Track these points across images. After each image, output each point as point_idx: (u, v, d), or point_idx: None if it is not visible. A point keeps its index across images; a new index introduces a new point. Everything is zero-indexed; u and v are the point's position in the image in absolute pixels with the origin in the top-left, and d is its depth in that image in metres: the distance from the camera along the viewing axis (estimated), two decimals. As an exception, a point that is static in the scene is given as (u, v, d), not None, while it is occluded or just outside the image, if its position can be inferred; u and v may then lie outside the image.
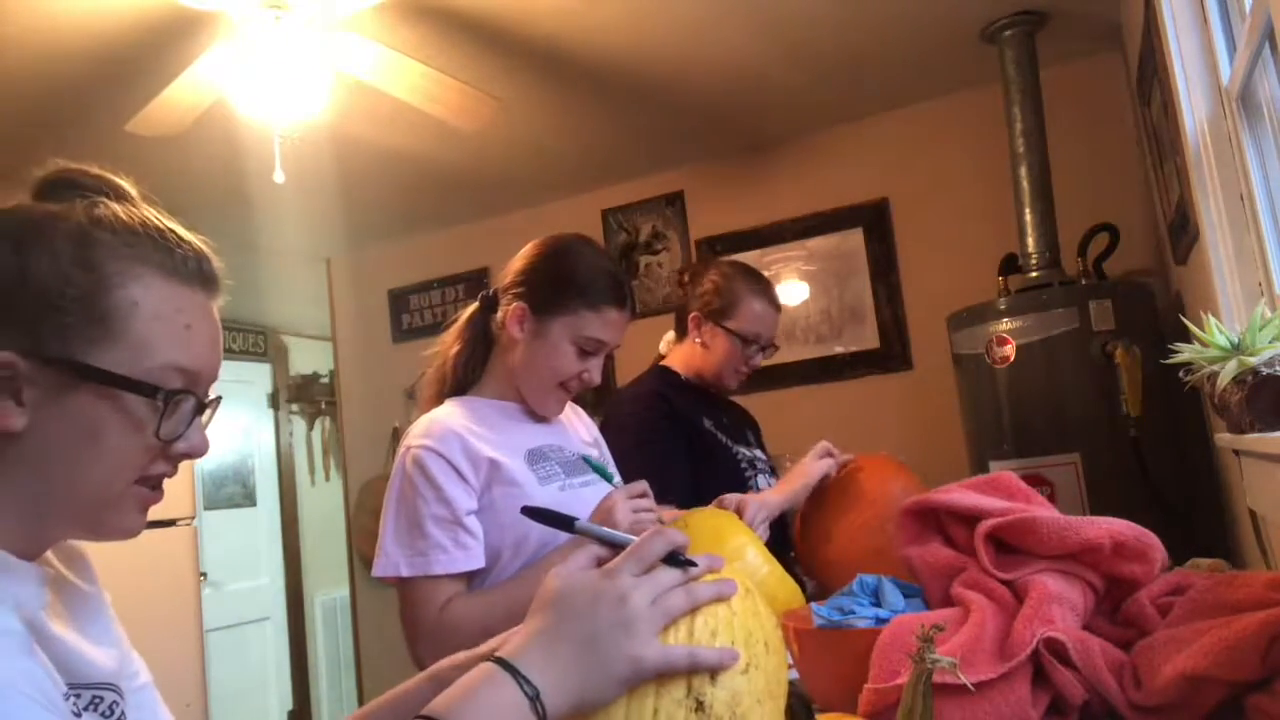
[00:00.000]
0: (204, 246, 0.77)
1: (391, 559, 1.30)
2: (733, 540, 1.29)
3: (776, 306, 1.99)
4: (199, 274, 0.75)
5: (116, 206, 0.73)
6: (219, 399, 0.78)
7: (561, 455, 1.44)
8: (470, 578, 1.34)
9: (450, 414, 1.40)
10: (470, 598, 1.31)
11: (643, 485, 1.34)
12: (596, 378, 1.43)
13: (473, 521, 1.32)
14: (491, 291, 1.49)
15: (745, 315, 1.92)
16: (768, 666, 0.68)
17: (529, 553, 1.33)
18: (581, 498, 1.38)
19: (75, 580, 0.79)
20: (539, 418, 1.48)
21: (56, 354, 0.67)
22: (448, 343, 1.52)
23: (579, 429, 1.58)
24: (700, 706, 0.64)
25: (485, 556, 1.33)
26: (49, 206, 0.72)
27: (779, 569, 1.29)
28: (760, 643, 0.69)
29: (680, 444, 1.84)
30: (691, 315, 1.96)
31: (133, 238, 0.71)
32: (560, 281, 1.41)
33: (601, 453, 1.60)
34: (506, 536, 1.33)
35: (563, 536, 1.29)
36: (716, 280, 1.95)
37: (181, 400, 0.72)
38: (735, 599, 0.70)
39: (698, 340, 1.95)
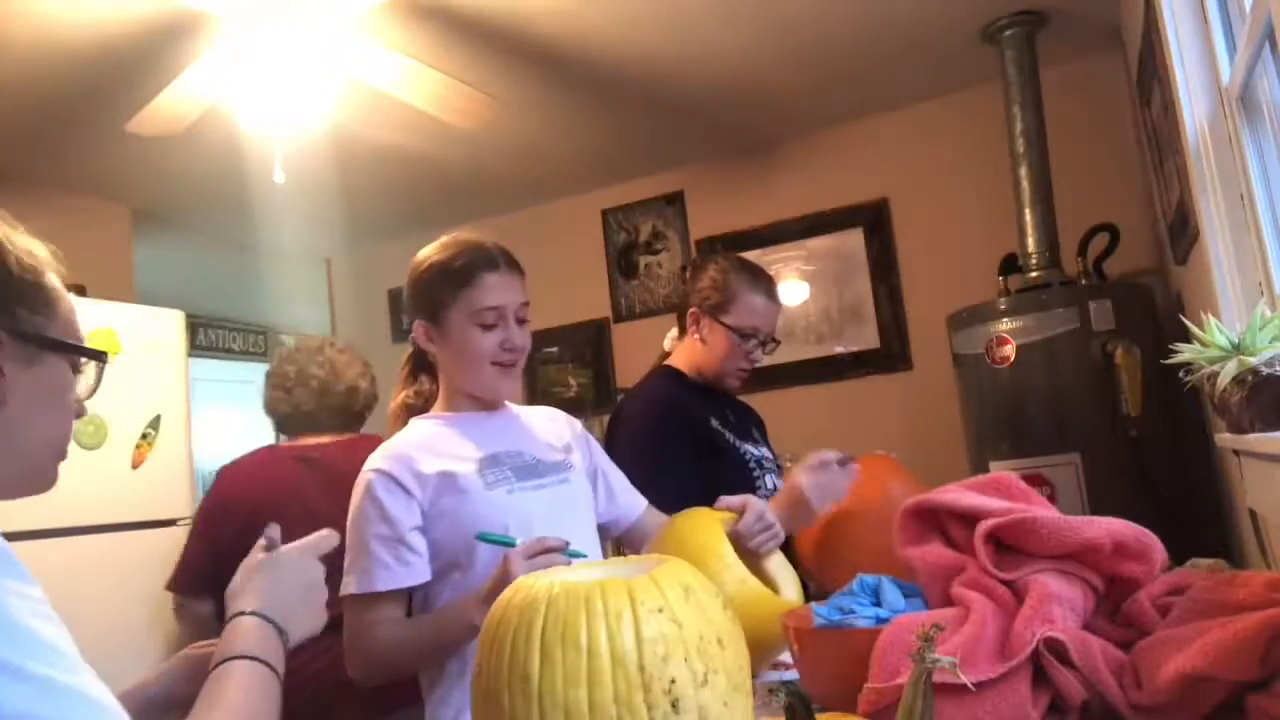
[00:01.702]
0: None
1: (345, 579, 1.36)
2: (702, 550, 1.26)
3: (776, 300, 1.99)
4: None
5: None
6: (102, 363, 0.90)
7: (518, 460, 1.47)
8: (414, 592, 1.39)
9: (410, 433, 1.46)
10: (399, 624, 1.36)
11: (542, 543, 1.26)
12: (517, 340, 1.46)
13: (416, 538, 1.36)
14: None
15: (743, 310, 1.93)
16: (727, 663, 0.67)
17: (481, 561, 1.36)
18: (529, 500, 1.41)
19: None
20: (496, 424, 1.50)
21: (31, 330, 0.77)
22: (397, 387, 1.59)
23: (549, 435, 1.57)
24: None
25: (440, 564, 1.37)
26: None
27: (751, 581, 1.26)
28: (713, 641, 0.67)
29: (688, 447, 1.85)
30: (690, 310, 1.98)
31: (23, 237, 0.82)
32: (430, 283, 1.47)
33: (587, 449, 1.61)
34: (459, 544, 1.37)
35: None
36: (715, 275, 1.96)
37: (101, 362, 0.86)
38: (677, 607, 0.67)
39: (697, 336, 1.96)
